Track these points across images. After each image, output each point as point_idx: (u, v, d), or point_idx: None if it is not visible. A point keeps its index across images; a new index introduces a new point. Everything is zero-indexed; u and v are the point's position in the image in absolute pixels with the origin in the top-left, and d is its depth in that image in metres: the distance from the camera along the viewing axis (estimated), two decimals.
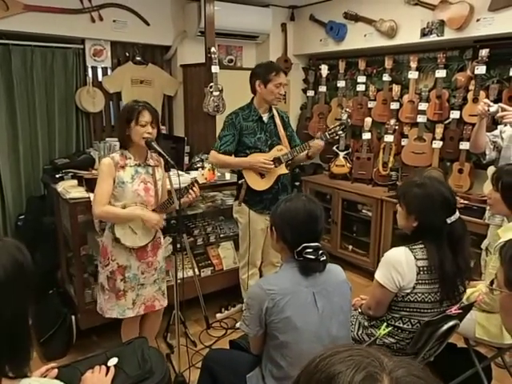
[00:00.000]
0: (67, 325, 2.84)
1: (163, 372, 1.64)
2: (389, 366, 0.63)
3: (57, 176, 3.21)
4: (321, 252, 1.67)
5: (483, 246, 2.76)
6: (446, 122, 3.68)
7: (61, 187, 2.97)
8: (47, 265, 3.32)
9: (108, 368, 1.50)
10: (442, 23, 3.48)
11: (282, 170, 2.87)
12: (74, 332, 2.86)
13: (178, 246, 2.29)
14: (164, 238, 2.59)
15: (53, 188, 3.14)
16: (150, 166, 2.38)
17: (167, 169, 2.25)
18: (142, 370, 1.59)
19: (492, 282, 1.21)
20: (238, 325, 3.04)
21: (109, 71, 4.06)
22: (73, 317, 2.86)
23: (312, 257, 1.64)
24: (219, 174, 3.31)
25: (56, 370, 1.42)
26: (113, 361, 1.57)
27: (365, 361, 0.64)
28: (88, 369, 1.49)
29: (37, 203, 3.63)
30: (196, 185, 2.38)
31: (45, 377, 1.37)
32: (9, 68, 3.57)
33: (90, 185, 2.78)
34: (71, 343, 2.86)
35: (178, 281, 2.31)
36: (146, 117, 2.23)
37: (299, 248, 1.65)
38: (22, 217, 3.66)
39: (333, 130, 2.82)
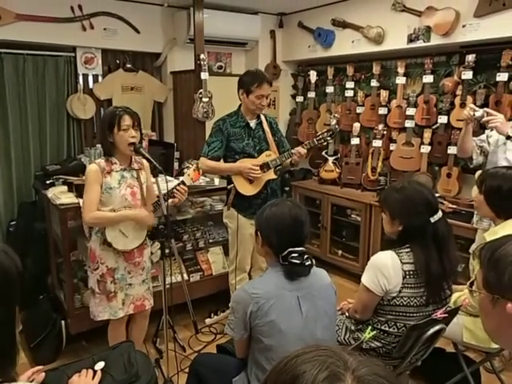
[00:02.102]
0: (57, 330, 2.86)
1: (149, 376, 1.66)
2: (353, 365, 0.65)
3: (48, 182, 3.23)
4: (306, 256, 1.69)
5: (471, 250, 2.78)
6: (434, 126, 3.71)
7: (51, 193, 2.99)
8: (38, 270, 3.34)
9: (95, 372, 1.52)
10: (428, 29, 3.52)
11: (271, 175, 2.90)
12: (64, 337, 2.87)
13: (167, 251, 2.32)
14: (153, 243, 2.61)
15: (43, 194, 3.16)
16: (134, 169, 2.40)
17: (155, 174, 2.27)
18: (128, 373, 1.62)
19: (472, 284, 1.23)
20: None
21: (100, 78, 4.10)
22: (63, 322, 2.88)
23: (297, 261, 1.66)
24: (208, 180, 3.35)
25: (43, 374, 1.43)
26: (100, 365, 1.59)
27: (328, 360, 0.65)
28: (75, 373, 1.51)
29: (28, 209, 3.64)
30: (182, 184, 2.40)
31: (32, 381, 1.39)
32: (1, 76, 3.61)
33: (80, 191, 2.78)
34: (61, 348, 2.87)
35: (167, 286, 2.34)
36: (126, 121, 2.25)
37: (284, 252, 1.67)
38: (14, 222, 3.67)
39: (321, 137, 2.84)
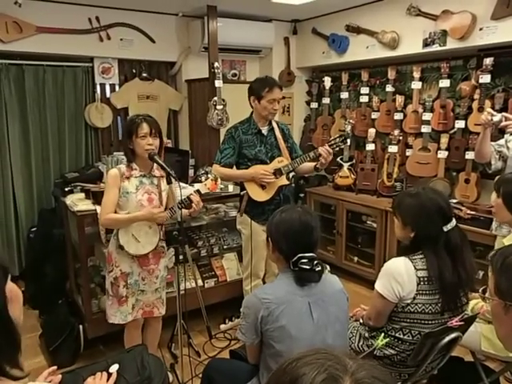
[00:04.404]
0: (75, 334, 2.91)
1: (162, 379, 1.68)
2: (352, 368, 0.66)
3: (66, 189, 3.30)
4: (316, 262, 1.69)
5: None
6: (451, 131, 3.66)
7: (69, 200, 3.06)
8: (57, 275, 3.42)
9: (109, 374, 1.54)
10: (444, 33, 3.48)
11: (283, 181, 2.91)
12: (82, 341, 2.92)
13: (181, 257, 2.34)
14: (168, 249, 2.64)
15: (62, 201, 3.23)
16: (155, 176, 2.44)
17: (169, 181, 2.31)
18: (140, 376, 1.63)
19: (484, 291, 1.22)
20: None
21: (116, 87, 4.20)
22: (80, 326, 2.93)
23: (307, 267, 1.66)
24: (222, 186, 3.37)
25: (60, 376, 1.46)
26: (114, 367, 1.60)
27: (327, 363, 0.66)
28: (90, 375, 1.53)
29: (48, 216, 3.73)
30: (196, 193, 2.42)
31: (49, 382, 1.42)
32: (22, 86, 3.73)
33: (97, 198, 2.85)
34: (79, 352, 2.92)
35: (182, 292, 2.36)
36: (144, 129, 2.29)
37: (294, 258, 1.67)
38: (34, 229, 3.76)
39: (333, 142, 2.83)
